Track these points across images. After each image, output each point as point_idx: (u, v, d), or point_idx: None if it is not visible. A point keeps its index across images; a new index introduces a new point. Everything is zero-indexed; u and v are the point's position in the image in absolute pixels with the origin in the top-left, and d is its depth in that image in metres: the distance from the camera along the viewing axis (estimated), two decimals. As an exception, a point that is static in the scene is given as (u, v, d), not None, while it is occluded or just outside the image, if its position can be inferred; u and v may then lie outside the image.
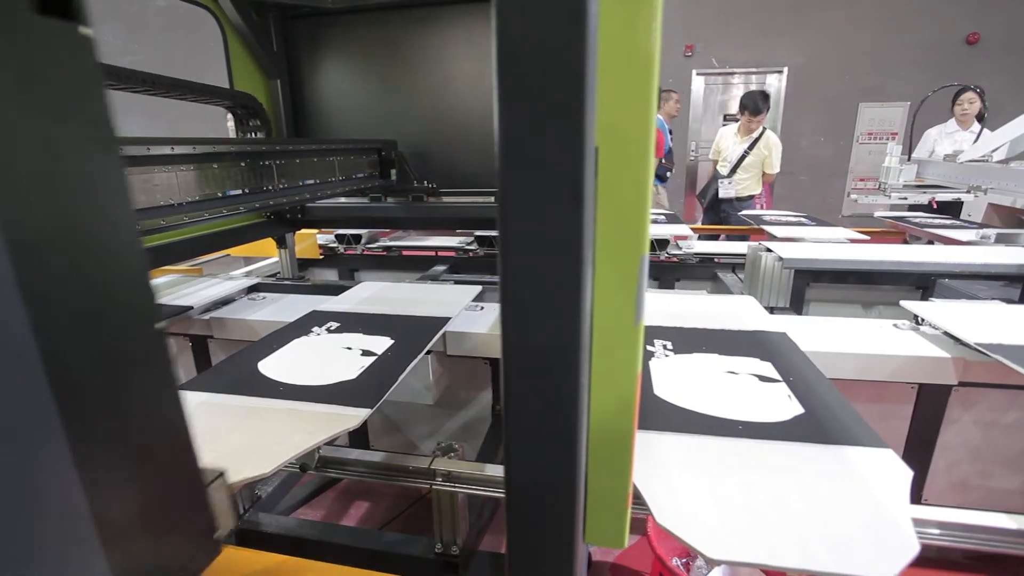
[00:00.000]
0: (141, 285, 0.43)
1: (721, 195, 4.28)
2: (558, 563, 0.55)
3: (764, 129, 4.14)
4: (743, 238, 3.45)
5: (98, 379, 0.39)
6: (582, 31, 0.38)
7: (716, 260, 2.58)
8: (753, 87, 7.40)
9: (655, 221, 3.02)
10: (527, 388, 0.48)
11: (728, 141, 4.29)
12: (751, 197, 4.28)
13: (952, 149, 3.96)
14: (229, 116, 2.31)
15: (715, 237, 3.30)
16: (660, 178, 5.17)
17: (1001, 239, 2.55)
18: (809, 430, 0.88)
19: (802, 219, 3.19)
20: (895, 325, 1.47)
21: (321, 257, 2.98)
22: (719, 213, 4.38)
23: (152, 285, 0.44)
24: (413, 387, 1.54)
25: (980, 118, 4.16)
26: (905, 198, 3.22)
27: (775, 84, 7.34)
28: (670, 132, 5.20)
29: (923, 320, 1.45)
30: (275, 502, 1.47)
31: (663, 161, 5.12)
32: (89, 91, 0.38)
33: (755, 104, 4.05)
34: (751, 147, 4.10)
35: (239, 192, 1.80)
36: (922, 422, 1.36)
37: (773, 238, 2.58)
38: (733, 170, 4.20)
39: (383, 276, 2.85)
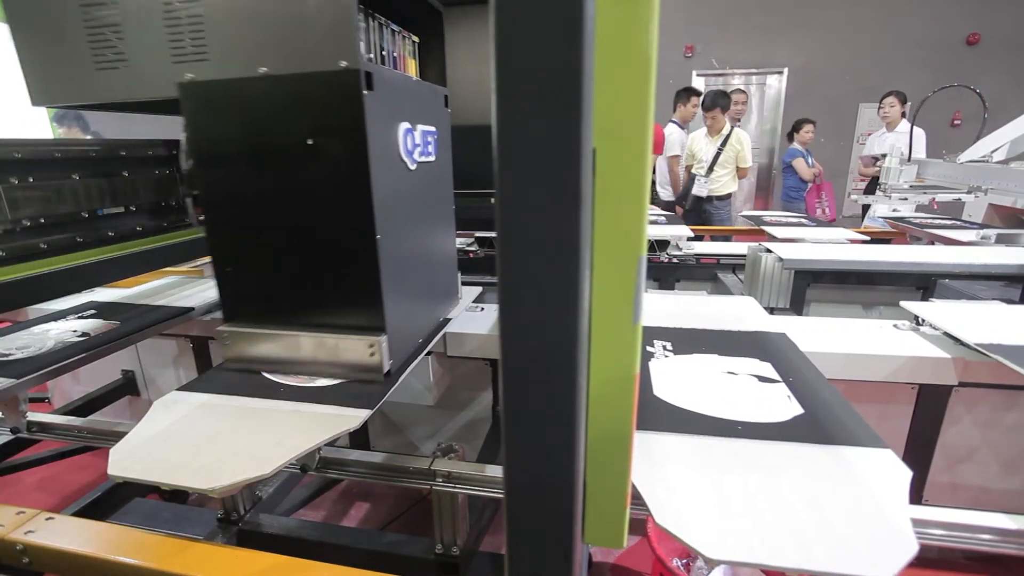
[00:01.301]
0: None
1: (695, 192, 4.46)
2: (557, 563, 0.55)
3: (732, 128, 4.36)
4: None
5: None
6: (580, 33, 0.38)
7: (718, 261, 2.57)
8: (753, 87, 7.42)
9: (654, 222, 3.02)
10: (526, 388, 0.48)
11: (700, 143, 4.48)
12: (729, 195, 4.46)
13: (879, 150, 4.45)
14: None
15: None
16: None
17: (1001, 239, 2.55)
18: (809, 430, 0.89)
19: (802, 219, 3.19)
20: (895, 325, 1.47)
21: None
22: (701, 214, 4.51)
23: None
24: (414, 388, 1.54)
25: (904, 116, 4.58)
26: (905, 198, 3.23)
27: (775, 84, 7.35)
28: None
29: (923, 320, 1.45)
30: (276, 503, 1.47)
31: None
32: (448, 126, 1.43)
33: (711, 99, 4.32)
34: (723, 144, 4.31)
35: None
36: (922, 422, 1.36)
37: (772, 238, 2.58)
38: (710, 169, 4.38)
39: (384, 277, 2.86)
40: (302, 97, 0.99)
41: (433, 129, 1.31)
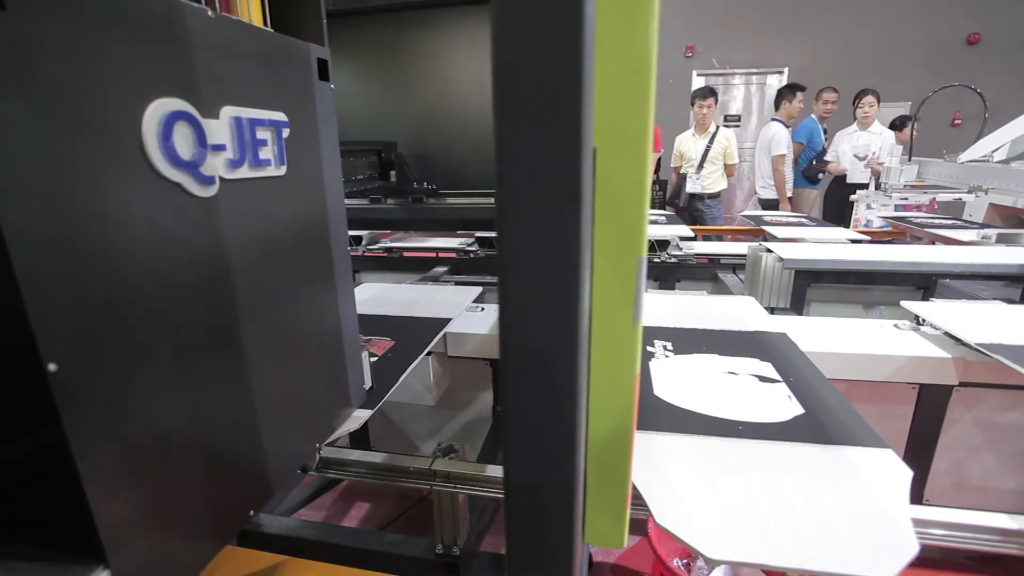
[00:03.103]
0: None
1: (689, 189, 4.54)
2: (558, 563, 0.55)
3: (717, 127, 4.48)
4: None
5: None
6: (579, 33, 0.38)
7: (718, 261, 2.57)
8: (754, 88, 7.42)
9: (655, 222, 3.02)
10: (526, 389, 0.48)
11: (688, 144, 4.58)
12: (719, 193, 4.53)
13: (851, 149, 4.49)
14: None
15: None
16: (811, 180, 4.91)
17: (1002, 239, 2.54)
18: (809, 430, 0.88)
19: (803, 219, 3.19)
20: (896, 325, 1.47)
21: (322, 258, 2.97)
22: (693, 212, 4.57)
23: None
24: (414, 388, 1.54)
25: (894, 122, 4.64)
26: (906, 198, 3.23)
27: (775, 84, 7.34)
28: (824, 131, 4.94)
29: (924, 320, 1.45)
30: (276, 503, 1.47)
31: (814, 163, 4.85)
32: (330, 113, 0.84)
33: (702, 92, 4.47)
34: (711, 141, 4.42)
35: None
36: (923, 422, 1.36)
37: (774, 239, 2.58)
38: (700, 166, 4.47)
39: (384, 277, 2.85)
40: None
41: (279, 117, 0.71)
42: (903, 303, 1.52)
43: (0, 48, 0.40)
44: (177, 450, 0.57)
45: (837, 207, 4.57)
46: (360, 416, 0.97)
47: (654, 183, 5.80)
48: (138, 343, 0.51)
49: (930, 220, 3.10)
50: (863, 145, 4.55)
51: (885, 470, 0.77)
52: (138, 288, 0.50)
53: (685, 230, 2.72)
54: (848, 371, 1.30)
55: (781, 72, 7.22)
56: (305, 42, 0.79)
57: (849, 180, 4.61)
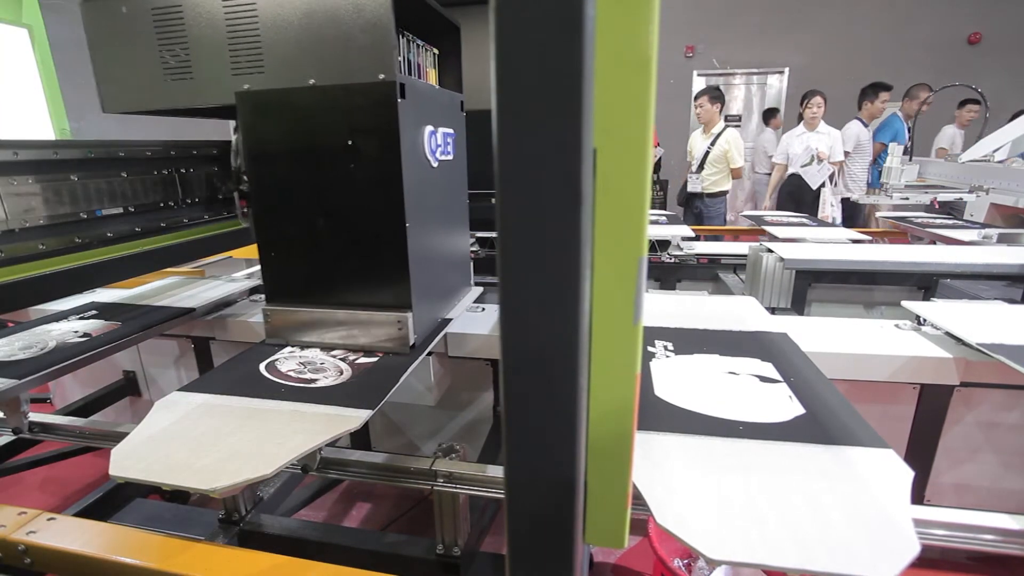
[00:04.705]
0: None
1: (689, 189, 4.55)
2: (558, 563, 0.55)
3: (725, 127, 4.44)
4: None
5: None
6: (580, 33, 0.38)
7: (719, 261, 2.57)
8: (754, 87, 7.42)
9: (656, 222, 3.02)
10: (526, 389, 0.48)
11: (696, 141, 4.59)
12: (721, 194, 4.50)
13: (802, 149, 4.53)
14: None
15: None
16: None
17: (1003, 239, 2.54)
18: (810, 430, 0.88)
19: (804, 219, 3.19)
20: (897, 325, 1.46)
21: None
22: (693, 210, 4.58)
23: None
24: (415, 388, 1.54)
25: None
26: (907, 198, 3.23)
27: (775, 84, 7.34)
28: (910, 130, 4.79)
29: (925, 320, 1.45)
30: (277, 503, 1.47)
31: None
32: (463, 128, 1.65)
33: (699, 92, 4.50)
34: (713, 142, 4.40)
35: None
36: (924, 422, 1.36)
37: (773, 238, 2.58)
38: (701, 166, 4.46)
39: (384, 277, 2.86)
40: (344, 104, 1.16)
41: (452, 131, 1.47)
42: (904, 303, 1.52)
43: (404, 117, 1.16)
44: (431, 264, 1.38)
45: (790, 206, 4.56)
46: (360, 416, 0.97)
47: (654, 183, 5.79)
48: (423, 218, 1.29)
49: (931, 220, 3.10)
50: (806, 143, 4.53)
51: (886, 470, 0.77)
52: (424, 198, 1.29)
53: (686, 230, 2.72)
54: (849, 371, 1.30)
55: (782, 72, 7.21)
56: (456, 92, 1.57)
57: (795, 178, 4.62)
